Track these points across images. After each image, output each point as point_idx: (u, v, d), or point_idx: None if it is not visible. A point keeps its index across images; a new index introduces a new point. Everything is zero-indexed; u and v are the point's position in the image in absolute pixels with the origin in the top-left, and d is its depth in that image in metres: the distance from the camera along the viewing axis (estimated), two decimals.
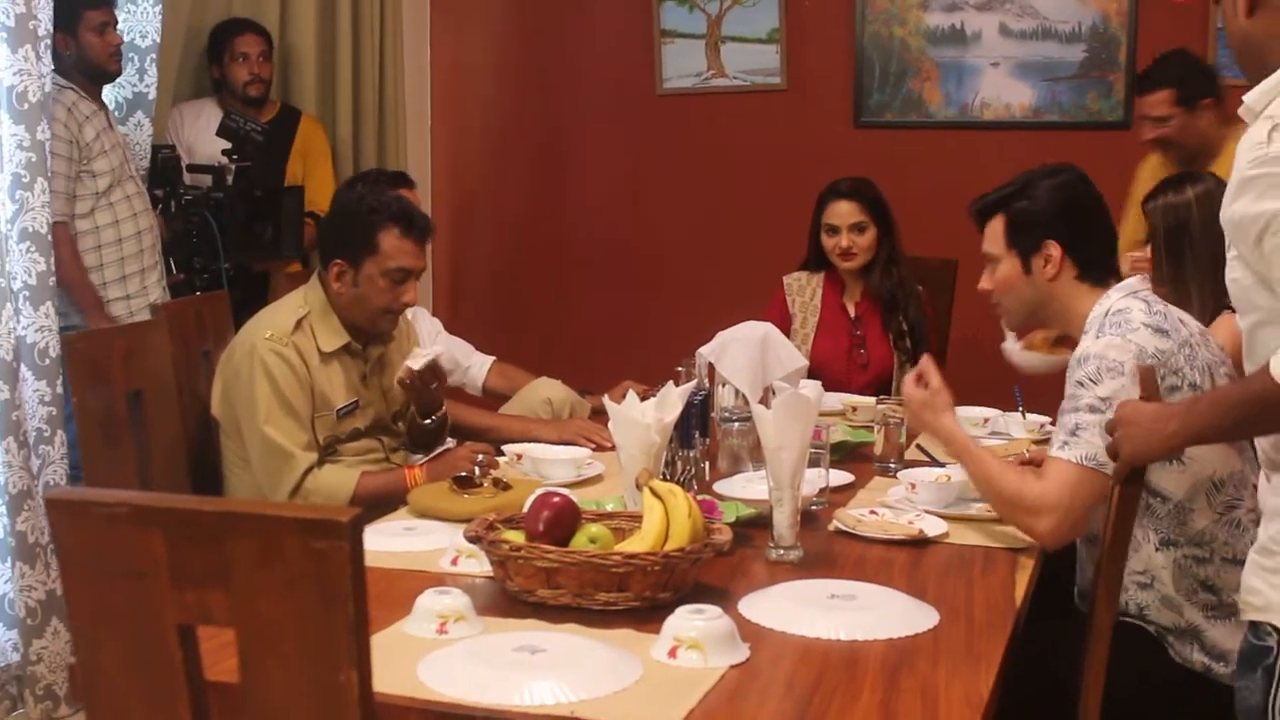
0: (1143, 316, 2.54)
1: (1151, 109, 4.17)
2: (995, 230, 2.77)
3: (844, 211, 4.23)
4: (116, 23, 4.12)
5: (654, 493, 2.27)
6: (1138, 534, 2.53)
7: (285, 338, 3.19)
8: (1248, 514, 2.50)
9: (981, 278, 2.84)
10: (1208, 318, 3.04)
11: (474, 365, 4.22)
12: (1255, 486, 2.50)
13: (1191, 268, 3.27)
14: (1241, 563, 2.46)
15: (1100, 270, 2.70)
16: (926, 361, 2.88)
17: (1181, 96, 4.13)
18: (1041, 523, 2.51)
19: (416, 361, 3.33)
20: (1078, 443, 2.48)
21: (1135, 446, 2.13)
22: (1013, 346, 3.98)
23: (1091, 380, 2.49)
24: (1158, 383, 2.37)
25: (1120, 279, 2.69)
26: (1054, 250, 2.68)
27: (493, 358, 4.25)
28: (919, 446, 3.26)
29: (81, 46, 4.02)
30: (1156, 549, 2.53)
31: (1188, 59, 4.30)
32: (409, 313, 3.52)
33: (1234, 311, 3.19)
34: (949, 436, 2.74)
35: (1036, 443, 3.42)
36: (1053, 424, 3.62)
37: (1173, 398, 2.47)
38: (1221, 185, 3.32)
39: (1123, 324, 2.53)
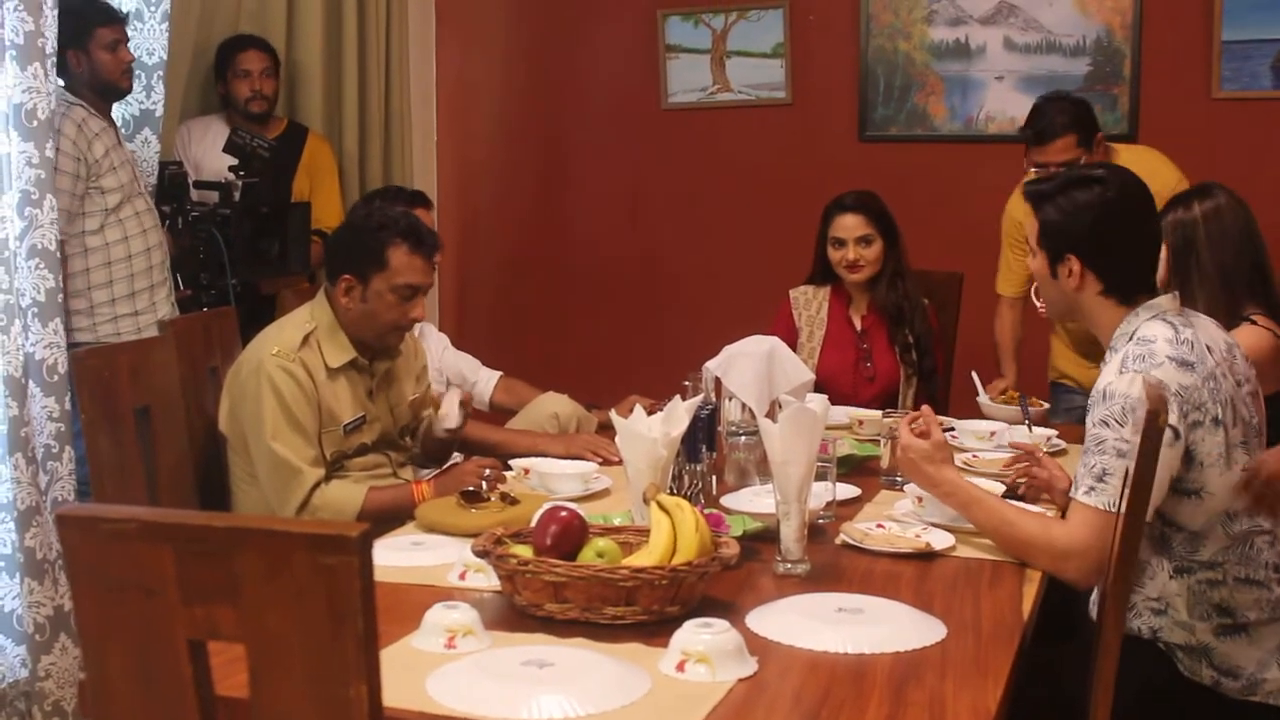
0: (1168, 349, 2.49)
1: (1057, 155, 4.11)
2: (1033, 224, 2.70)
3: (850, 224, 4.24)
4: (128, 40, 4.14)
5: (661, 507, 2.28)
6: (1153, 563, 2.52)
7: (292, 354, 3.20)
8: (1262, 537, 2.50)
9: (1029, 257, 2.78)
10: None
11: (480, 381, 4.23)
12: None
13: (1198, 284, 3.26)
14: (1254, 582, 2.47)
15: (1126, 290, 2.62)
16: (927, 412, 2.87)
17: (1082, 138, 4.14)
18: (1070, 566, 2.49)
19: (452, 421, 3.38)
20: (1105, 489, 2.44)
21: None
22: (986, 400, 3.98)
23: (1117, 421, 2.45)
24: (1166, 399, 2.35)
25: (1154, 294, 2.63)
26: (1075, 265, 2.62)
27: (499, 373, 4.26)
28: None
29: (94, 64, 4.03)
30: (1171, 577, 2.51)
31: (1074, 100, 4.32)
32: (416, 328, 3.53)
33: (1252, 323, 3.21)
34: (952, 488, 2.71)
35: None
36: (1059, 437, 3.66)
37: (1195, 433, 2.46)
38: (1232, 199, 3.33)
39: (1147, 357, 2.48)
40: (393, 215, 3.35)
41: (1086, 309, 2.67)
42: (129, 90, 4.18)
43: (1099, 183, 2.64)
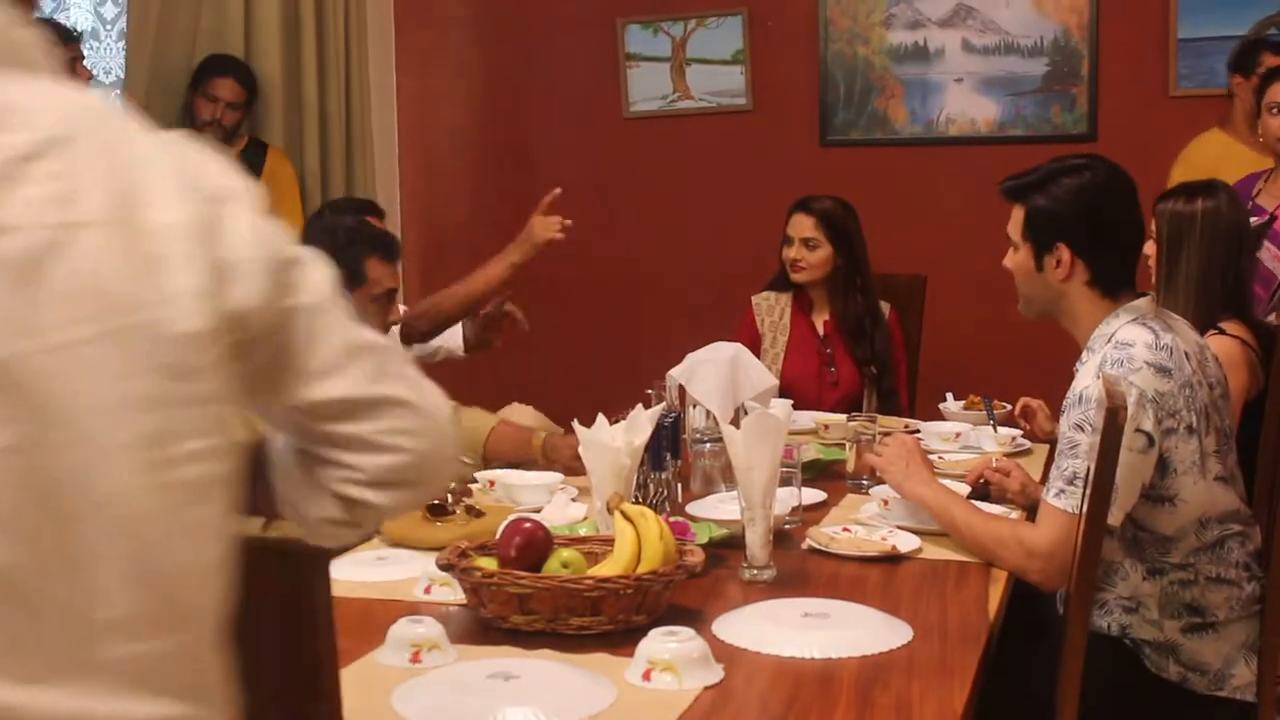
0: (1146, 354, 2.47)
1: None
2: (1016, 216, 2.68)
3: (800, 224, 4.24)
4: (83, 57, 4.07)
5: (625, 516, 2.27)
6: (1125, 564, 2.53)
7: None
8: (1233, 537, 2.51)
9: (1006, 254, 2.76)
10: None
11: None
12: (1249, 517, 2.53)
13: (1183, 280, 3.23)
14: (1226, 581, 2.49)
15: (1112, 282, 2.61)
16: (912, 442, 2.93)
17: None
18: (1035, 567, 2.49)
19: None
20: (1074, 492, 2.43)
21: None
22: (952, 406, 3.98)
23: (1092, 426, 2.41)
24: (1124, 396, 2.36)
25: (1135, 292, 2.63)
26: (1064, 254, 2.60)
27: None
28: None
29: None
30: (1144, 578, 2.52)
31: None
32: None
33: (1221, 333, 3.18)
34: (921, 500, 2.74)
35: (1008, 455, 3.42)
36: (1025, 436, 3.67)
37: (1169, 440, 2.45)
38: (1233, 202, 3.31)
39: (1125, 362, 2.46)
40: (357, 229, 3.37)
41: (1069, 303, 2.65)
42: None
43: (1084, 167, 2.64)
